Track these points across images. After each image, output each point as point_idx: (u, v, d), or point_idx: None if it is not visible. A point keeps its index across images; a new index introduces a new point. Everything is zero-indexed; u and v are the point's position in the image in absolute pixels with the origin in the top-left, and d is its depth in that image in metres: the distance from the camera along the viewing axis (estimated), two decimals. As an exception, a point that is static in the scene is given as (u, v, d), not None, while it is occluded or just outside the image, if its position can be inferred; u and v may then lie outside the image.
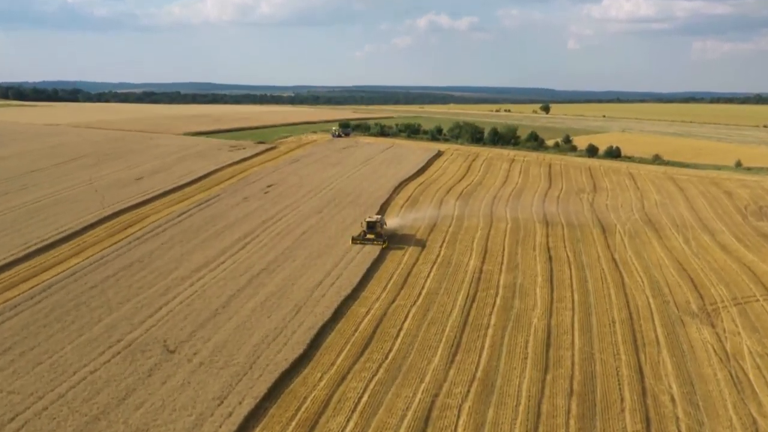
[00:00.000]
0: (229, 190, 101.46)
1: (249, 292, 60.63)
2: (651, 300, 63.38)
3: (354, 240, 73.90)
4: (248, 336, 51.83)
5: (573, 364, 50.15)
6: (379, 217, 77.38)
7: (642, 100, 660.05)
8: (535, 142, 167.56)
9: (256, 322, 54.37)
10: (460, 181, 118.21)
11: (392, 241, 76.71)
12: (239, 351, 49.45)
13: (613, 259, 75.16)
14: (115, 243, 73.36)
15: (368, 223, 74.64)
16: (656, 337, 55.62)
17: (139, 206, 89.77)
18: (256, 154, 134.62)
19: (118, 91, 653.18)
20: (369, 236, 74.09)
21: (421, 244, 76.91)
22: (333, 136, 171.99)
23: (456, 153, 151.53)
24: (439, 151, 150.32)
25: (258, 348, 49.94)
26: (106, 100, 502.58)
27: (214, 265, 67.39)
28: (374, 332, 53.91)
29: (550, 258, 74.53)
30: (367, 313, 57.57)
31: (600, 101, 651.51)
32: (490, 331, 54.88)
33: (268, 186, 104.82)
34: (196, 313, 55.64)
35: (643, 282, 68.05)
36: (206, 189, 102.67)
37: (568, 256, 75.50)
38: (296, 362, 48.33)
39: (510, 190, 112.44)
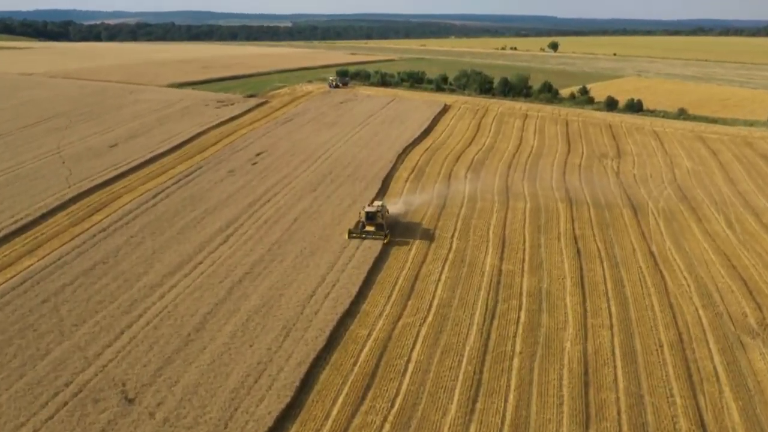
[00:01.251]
0: (213, 159, 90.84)
1: (228, 307, 51.15)
2: (701, 312, 53.96)
3: (351, 234, 63.83)
4: (224, 376, 42.66)
5: (619, 412, 41.15)
6: (380, 205, 66.90)
7: (648, 32, 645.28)
8: (549, 93, 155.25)
9: (236, 354, 45.09)
10: (470, 144, 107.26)
11: (395, 231, 66.82)
12: (213, 400, 40.39)
13: (651, 253, 65.37)
14: (78, 236, 63.56)
15: (367, 213, 64.39)
16: (714, 368, 46.45)
17: (110, 183, 79.53)
18: (246, 112, 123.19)
19: (111, 22, 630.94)
20: (368, 228, 64.00)
21: (429, 235, 66.98)
22: (330, 86, 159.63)
23: (464, 107, 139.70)
24: (445, 106, 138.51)
25: (236, 395, 40.86)
26: (97, 34, 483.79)
27: (189, 267, 57.73)
28: (377, 365, 44.79)
29: (579, 252, 64.74)
30: (369, 335, 48.28)
31: (606, 32, 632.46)
32: (516, 363, 45.69)
33: (257, 154, 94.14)
34: (164, 341, 46.33)
35: (688, 286, 58.48)
36: (188, 158, 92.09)
37: (598, 249, 65.71)
38: (282, 416, 39.34)
39: (526, 156, 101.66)
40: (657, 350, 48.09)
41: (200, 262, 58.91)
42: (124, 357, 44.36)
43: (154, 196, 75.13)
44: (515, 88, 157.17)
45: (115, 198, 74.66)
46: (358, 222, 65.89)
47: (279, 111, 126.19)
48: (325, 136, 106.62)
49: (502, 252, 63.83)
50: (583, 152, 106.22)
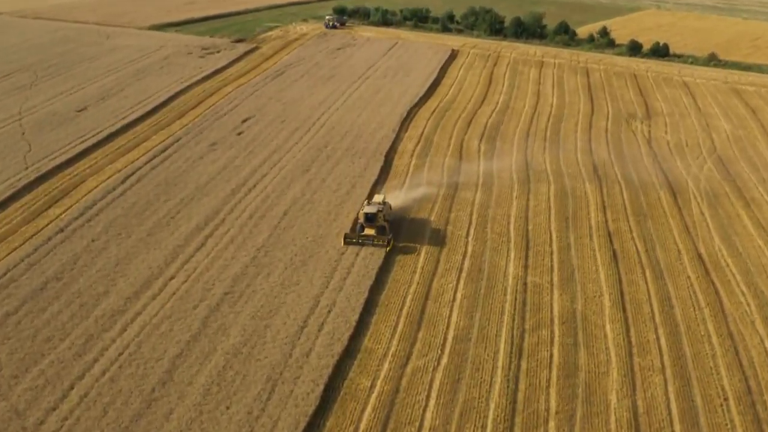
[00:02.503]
0: (194, 128, 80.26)
1: (203, 347, 42.41)
2: (767, 344, 45.29)
3: (347, 239, 54.14)
4: (193, 460, 34.28)
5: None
6: (381, 202, 56.89)
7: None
8: (566, 35, 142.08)
9: (208, 422, 36.59)
10: (482, 103, 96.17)
11: (400, 230, 57.47)
12: (177, 498, 32.12)
13: (699, 256, 56.22)
14: (30, 239, 54.21)
15: (366, 215, 54.53)
16: (793, 431, 38.08)
17: (74, 161, 69.46)
18: (233, 62, 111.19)
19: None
20: (367, 232, 54.31)
21: (440, 234, 57.58)
22: (326, 26, 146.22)
23: (473, 53, 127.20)
24: (453, 51, 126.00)
25: (206, 489, 32.56)
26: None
27: (159, 285, 48.71)
28: (382, 435, 36.40)
29: (615, 255, 55.56)
30: (372, 388, 39.78)
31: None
32: (552, 427, 37.29)
33: (243, 120, 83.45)
34: (122, 401, 37.81)
35: (748, 305, 49.61)
36: (165, 126, 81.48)
37: (637, 250, 56.50)
38: None
39: (545, 118, 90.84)
40: (721, 405, 39.69)
41: (172, 277, 49.82)
42: (71, 427, 35.86)
43: (123, 181, 65.26)
44: (529, 29, 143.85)
45: (79, 183, 64.84)
46: (356, 222, 56.31)
47: (269, 61, 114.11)
48: (321, 94, 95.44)
49: (526, 256, 54.63)
50: (608, 112, 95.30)
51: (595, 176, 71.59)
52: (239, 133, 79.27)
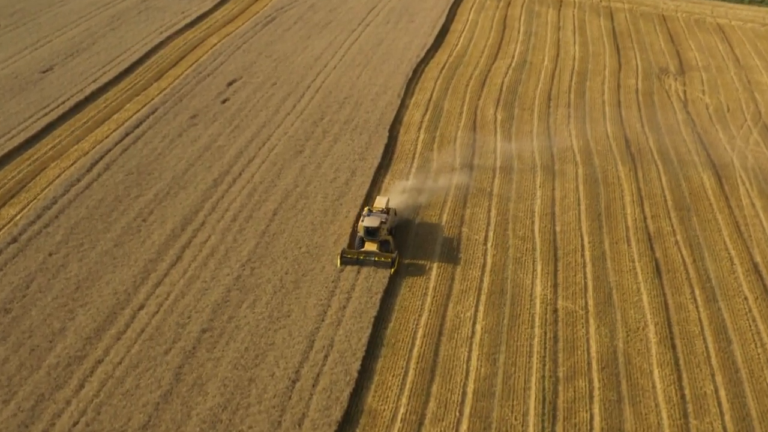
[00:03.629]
0: (173, 94, 70.82)
1: (173, 413, 35.63)
2: None
3: (344, 258, 45.66)
4: None
5: None
6: (384, 211, 47.75)
7: None
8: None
9: None
10: (496, 56, 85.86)
11: (406, 238, 49.53)
12: None
13: (755, 268, 48.51)
14: (-24, 254, 46.37)
15: (367, 228, 46.12)
16: None
17: (33, 142, 60.82)
18: (219, 4, 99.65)
19: None
20: (368, 248, 46.05)
21: (454, 241, 49.63)
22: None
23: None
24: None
25: None
26: None
27: (124, 320, 41.39)
28: None
29: (658, 267, 47.88)
30: (378, 470, 32.93)
31: None
32: None
33: (229, 84, 73.83)
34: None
35: (818, 338, 42.27)
36: (141, 90, 72.08)
37: (683, 261, 48.79)
38: None
39: (568, 76, 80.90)
40: (798, 491, 32.88)
41: (141, 307, 42.41)
42: None
43: (90, 168, 56.80)
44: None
45: (38, 171, 56.47)
46: (354, 235, 48.13)
47: (260, 2, 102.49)
48: (317, 47, 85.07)
49: (555, 270, 46.98)
50: (637, 65, 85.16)
51: (629, 154, 62.94)
52: (224, 101, 69.95)
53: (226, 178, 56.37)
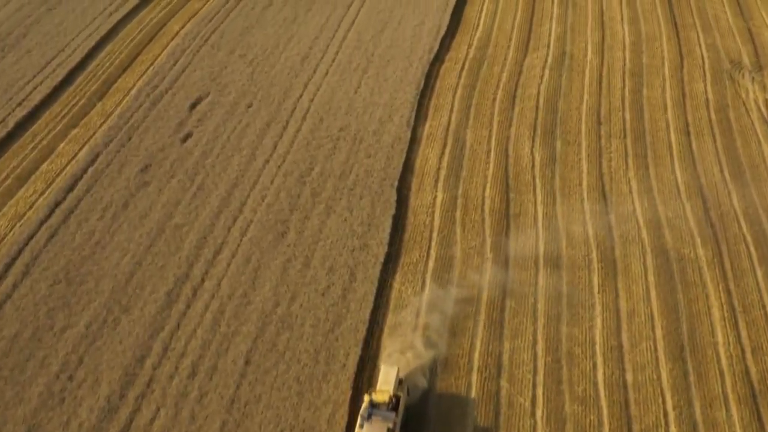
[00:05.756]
0: (120, 130, 55.29)
1: None
2: None
3: None
4: None
5: None
6: (393, 406, 33.25)
7: None
8: None
9: None
10: (526, 47, 68.88)
11: (422, 417, 36.38)
12: None
13: None
14: None
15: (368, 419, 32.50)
16: None
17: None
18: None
19: None
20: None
21: (488, 413, 36.47)
22: None
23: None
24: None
25: None
26: None
27: None
28: None
29: (770, 456, 35.09)
30: None
31: None
32: None
33: (192, 105, 58.15)
34: None
35: None
36: (79, 120, 56.74)
37: (803, 439, 35.92)
38: None
39: (619, 78, 64.32)
40: None
41: None
42: None
43: (1, 277, 42.79)
44: None
45: (-66, 277, 42.50)
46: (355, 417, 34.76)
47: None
48: (304, 37, 67.96)
49: (631, 466, 34.20)
50: (703, 57, 68.31)
51: (708, 225, 48.53)
52: (185, 138, 54.63)
53: (184, 288, 42.52)
